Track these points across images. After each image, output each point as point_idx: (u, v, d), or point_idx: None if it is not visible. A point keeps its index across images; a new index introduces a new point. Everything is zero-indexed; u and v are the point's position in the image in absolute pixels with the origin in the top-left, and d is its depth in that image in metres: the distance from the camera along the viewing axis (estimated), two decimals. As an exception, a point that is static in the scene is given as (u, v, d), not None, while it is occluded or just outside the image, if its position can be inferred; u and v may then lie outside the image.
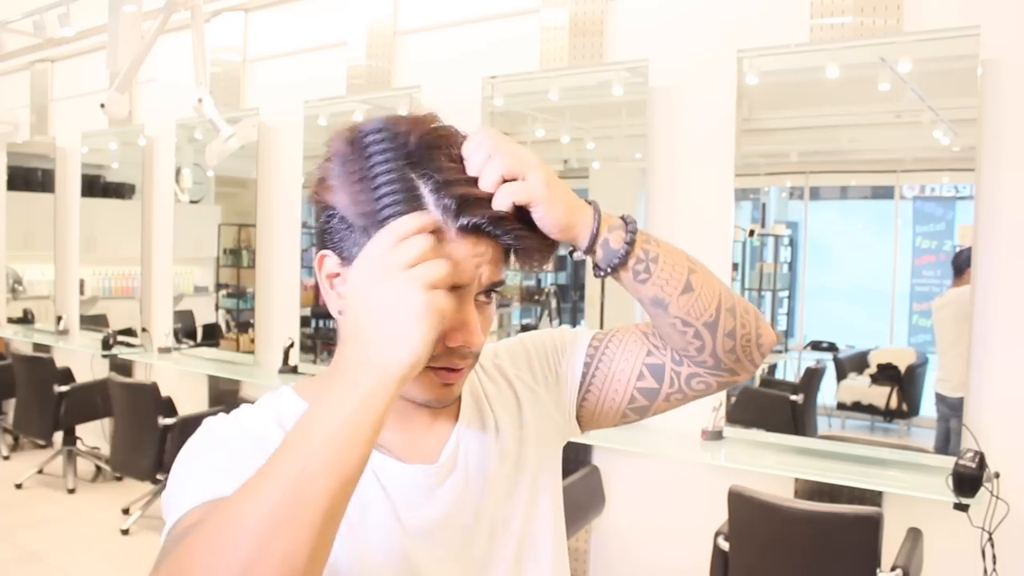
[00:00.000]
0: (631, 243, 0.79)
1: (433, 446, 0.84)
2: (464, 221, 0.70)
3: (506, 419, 0.90)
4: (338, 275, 0.75)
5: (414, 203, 0.70)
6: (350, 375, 0.62)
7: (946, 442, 2.55)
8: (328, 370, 0.82)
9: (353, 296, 0.64)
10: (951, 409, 2.52)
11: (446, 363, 0.76)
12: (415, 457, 0.82)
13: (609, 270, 0.79)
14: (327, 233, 0.75)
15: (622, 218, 0.80)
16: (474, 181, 0.72)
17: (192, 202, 5.02)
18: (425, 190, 0.71)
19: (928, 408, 2.74)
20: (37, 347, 5.72)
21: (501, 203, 0.71)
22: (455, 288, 0.71)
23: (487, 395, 0.91)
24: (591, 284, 3.37)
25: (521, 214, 0.74)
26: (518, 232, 0.73)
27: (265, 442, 0.68)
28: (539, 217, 0.74)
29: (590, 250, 0.78)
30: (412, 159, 0.71)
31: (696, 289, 0.82)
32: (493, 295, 0.78)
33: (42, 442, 5.55)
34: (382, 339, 0.62)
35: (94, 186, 5.63)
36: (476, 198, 0.71)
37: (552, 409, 0.94)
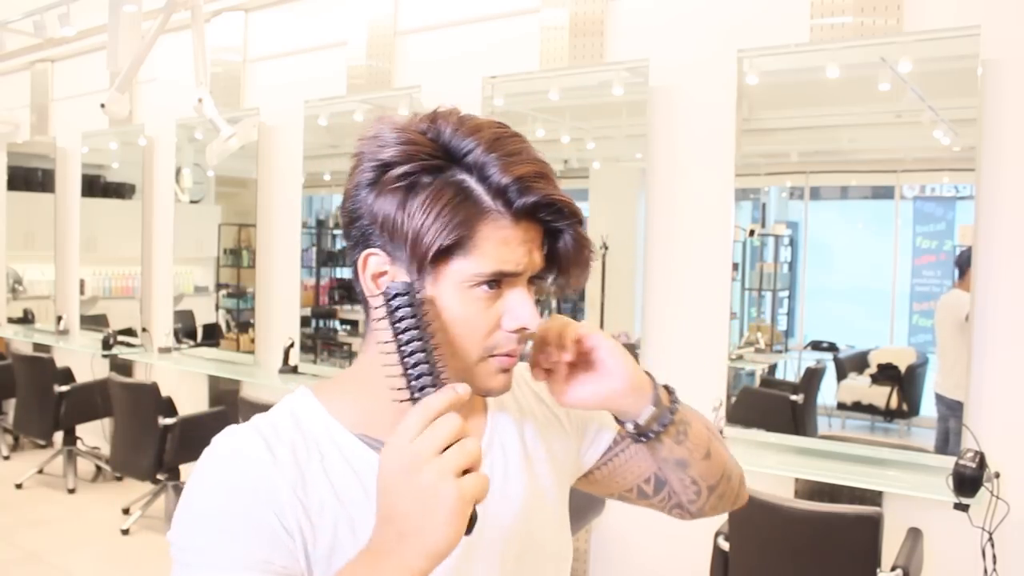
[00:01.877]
0: (676, 403, 0.86)
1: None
2: (523, 201, 0.72)
3: (533, 428, 0.91)
4: (385, 273, 0.75)
5: (465, 202, 0.71)
6: (386, 562, 0.64)
7: (946, 442, 2.55)
8: (354, 374, 0.82)
9: (386, 482, 0.65)
10: (950, 409, 2.52)
11: (507, 349, 0.77)
12: None
13: (660, 430, 0.84)
14: (371, 234, 0.75)
15: (664, 386, 0.87)
16: (524, 162, 0.73)
17: (192, 202, 5.02)
18: (473, 181, 0.72)
19: (928, 408, 2.74)
20: (37, 347, 5.72)
21: (605, 337, 0.80)
22: (510, 275, 0.74)
23: (518, 402, 0.92)
24: (591, 285, 3.37)
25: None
26: (572, 220, 0.75)
27: (276, 488, 0.72)
28: (616, 360, 0.80)
29: (656, 403, 0.83)
30: (452, 155, 0.73)
31: (713, 456, 0.90)
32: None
33: (42, 442, 5.55)
34: (417, 530, 0.63)
35: (94, 186, 5.63)
36: (533, 177, 0.72)
37: (574, 448, 0.96)
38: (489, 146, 0.72)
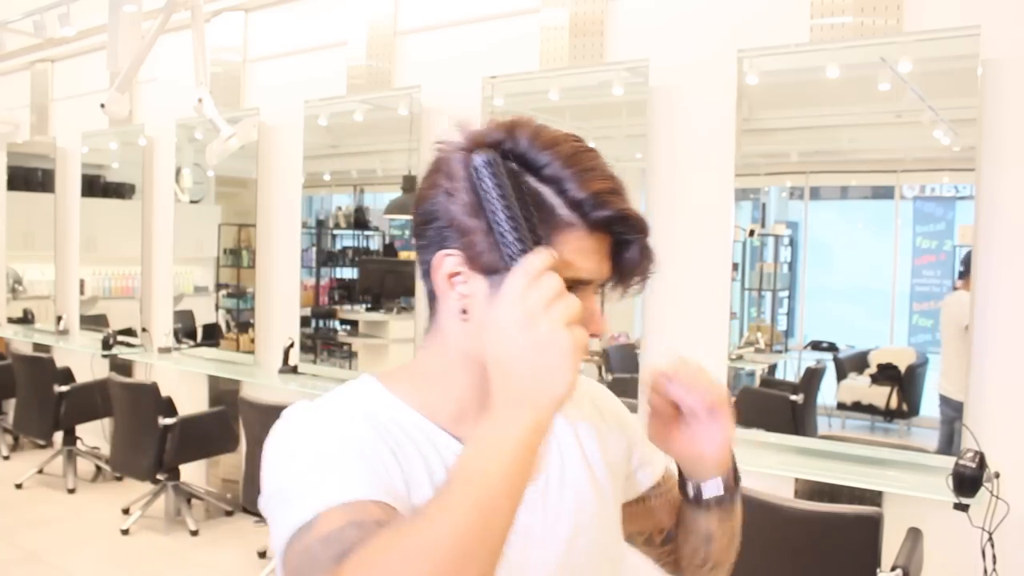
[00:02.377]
0: (739, 489, 0.96)
1: None
2: (598, 215, 0.75)
3: (591, 434, 0.93)
4: (458, 274, 0.77)
5: (542, 213, 0.74)
6: (513, 412, 0.66)
7: (949, 444, 2.54)
8: (417, 366, 0.85)
9: (500, 338, 0.68)
10: (955, 411, 2.50)
11: None
12: None
13: (715, 504, 0.93)
14: (448, 237, 0.77)
15: (735, 467, 0.95)
16: (600, 177, 0.76)
17: (192, 202, 5.02)
18: (550, 193, 0.75)
19: (928, 408, 2.74)
20: (37, 347, 5.72)
21: (719, 391, 0.85)
22: (583, 283, 0.76)
23: (578, 407, 0.94)
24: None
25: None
26: (641, 234, 0.78)
27: (371, 444, 0.74)
28: (724, 427, 0.86)
29: (726, 482, 0.92)
30: (531, 166, 0.76)
31: (734, 543, 0.99)
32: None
33: (42, 442, 5.55)
34: (539, 380, 0.67)
35: (94, 186, 5.63)
36: (608, 192, 0.76)
37: (622, 469, 0.97)
38: (567, 161, 0.75)
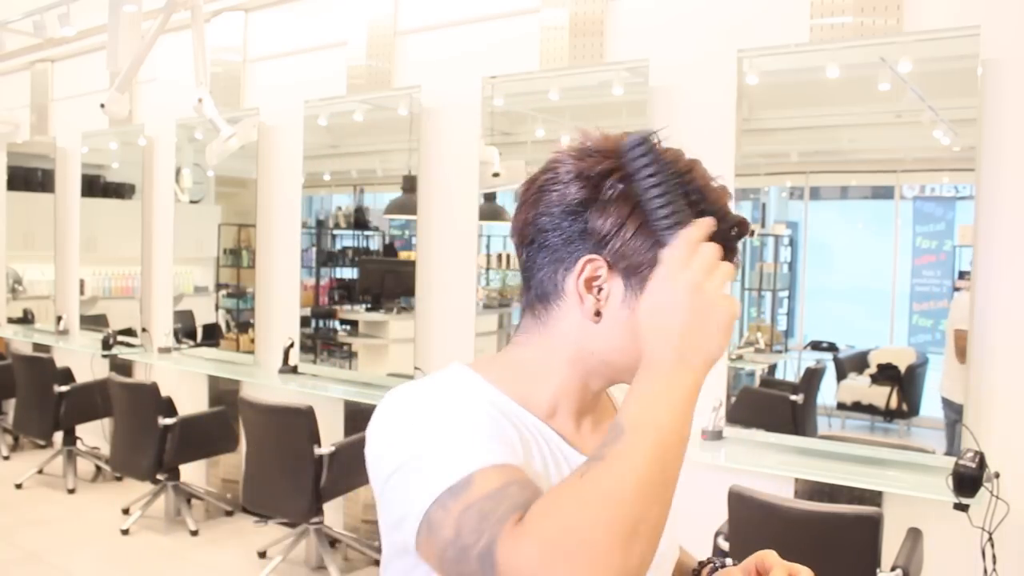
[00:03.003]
0: None
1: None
2: (725, 225, 0.79)
3: None
4: (598, 278, 0.80)
5: (684, 214, 0.78)
6: (679, 368, 0.71)
7: (952, 446, 2.53)
8: (511, 359, 0.86)
9: (665, 301, 0.73)
10: (958, 414, 2.49)
11: None
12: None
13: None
14: (578, 242, 0.80)
15: None
16: (721, 189, 0.82)
17: (192, 202, 5.02)
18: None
19: (927, 408, 2.74)
20: (37, 347, 5.72)
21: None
22: None
23: None
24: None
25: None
26: (744, 238, 0.84)
27: (495, 417, 0.76)
28: None
29: None
30: (679, 176, 0.80)
31: None
32: None
33: (42, 442, 5.56)
34: (700, 339, 0.72)
35: (94, 186, 5.63)
36: (727, 204, 0.81)
37: None
38: (695, 176, 0.80)
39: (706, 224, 0.75)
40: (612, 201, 0.78)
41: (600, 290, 0.80)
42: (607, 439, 0.68)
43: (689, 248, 0.73)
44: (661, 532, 0.66)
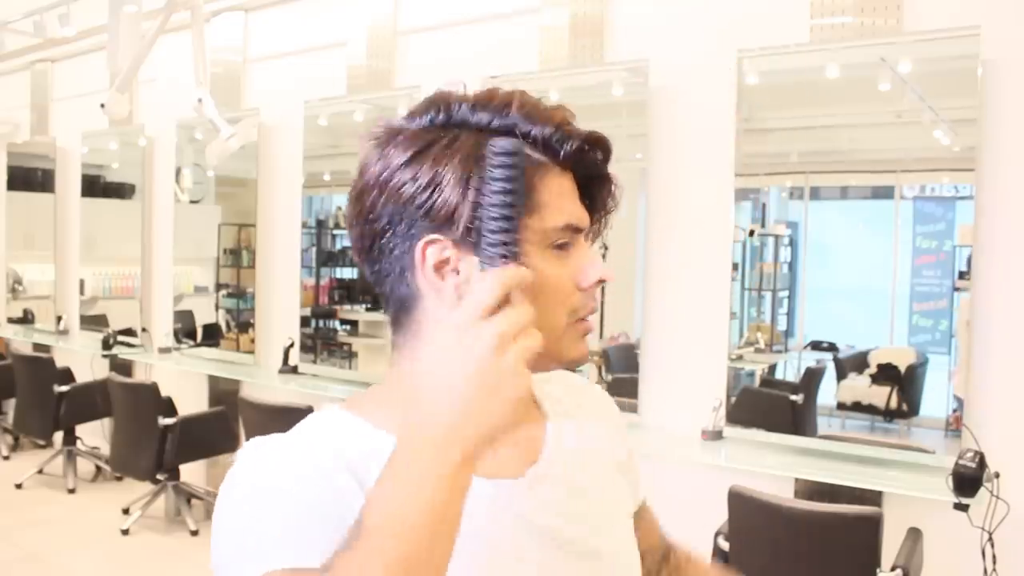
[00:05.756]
0: None
1: (521, 455, 0.78)
2: (569, 146, 0.70)
3: (604, 436, 0.87)
4: (447, 260, 0.69)
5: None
6: (452, 443, 0.58)
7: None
8: (391, 383, 0.77)
9: (447, 366, 0.59)
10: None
11: (588, 311, 0.74)
12: (501, 471, 0.75)
13: None
14: (417, 228, 0.69)
15: None
16: (553, 108, 0.72)
17: (192, 202, 5.02)
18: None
19: (928, 408, 2.74)
20: (37, 347, 5.72)
21: None
22: (577, 230, 0.72)
23: (583, 408, 0.87)
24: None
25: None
26: (607, 160, 0.74)
27: (325, 489, 0.66)
28: None
29: None
30: (473, 128, 0.70)
31: None
32: None
33: (42, 442, 5.55)
34: (481, 414, 0.58)
35: (94, 186, 5.63)
36: (567, 121, 0.72)
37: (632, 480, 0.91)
38: (513, 107, 0.70)
39: (524, 273, 0.60)
40: (441, 160, 0.67)
41: (457, 272, 0.68)
42: (349, 535, 0.57)
43: (493, 296, 0.58)
44: None
